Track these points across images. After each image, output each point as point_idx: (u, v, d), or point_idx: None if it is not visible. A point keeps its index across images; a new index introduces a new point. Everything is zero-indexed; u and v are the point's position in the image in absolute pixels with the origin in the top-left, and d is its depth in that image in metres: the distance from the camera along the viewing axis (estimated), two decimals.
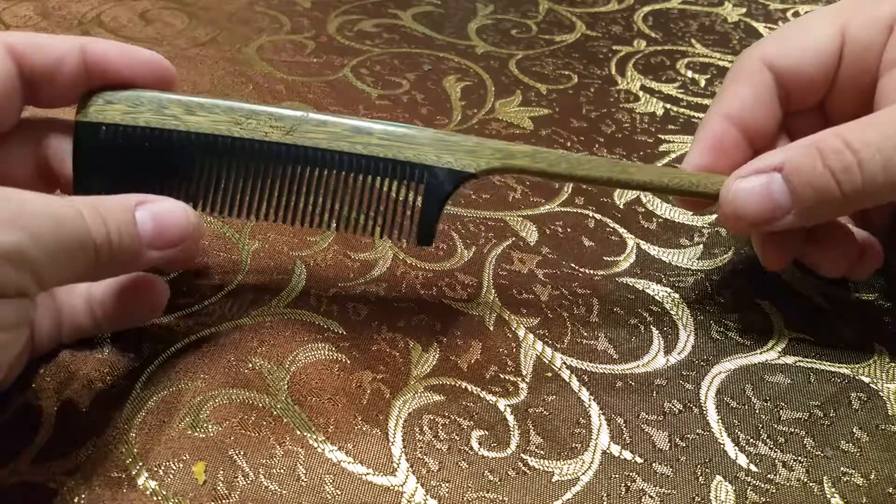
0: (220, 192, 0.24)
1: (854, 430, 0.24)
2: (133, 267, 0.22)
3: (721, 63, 0.46)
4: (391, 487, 0.22)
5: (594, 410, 0.24)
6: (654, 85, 0.43)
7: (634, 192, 0.34)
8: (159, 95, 0.23)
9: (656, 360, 0.26)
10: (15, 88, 0.22)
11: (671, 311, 0.28)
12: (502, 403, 0.24)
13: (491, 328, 0.27)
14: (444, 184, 0.24)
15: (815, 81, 0.26)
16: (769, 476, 0.22)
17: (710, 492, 0.22)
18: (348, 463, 0.22)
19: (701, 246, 0.31)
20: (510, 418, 0.24)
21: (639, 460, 0.23)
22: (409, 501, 0.21)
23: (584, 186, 0.35)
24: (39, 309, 0.24)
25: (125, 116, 0.23)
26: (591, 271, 0.30)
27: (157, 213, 0.21)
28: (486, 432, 0.23)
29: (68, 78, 0.23)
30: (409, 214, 0.24)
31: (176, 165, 0.23)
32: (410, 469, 0.22)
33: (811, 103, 0.27)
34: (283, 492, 0.21)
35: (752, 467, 0.23)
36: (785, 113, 0.27)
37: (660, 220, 0.33)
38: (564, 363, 0.26)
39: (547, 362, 0.26)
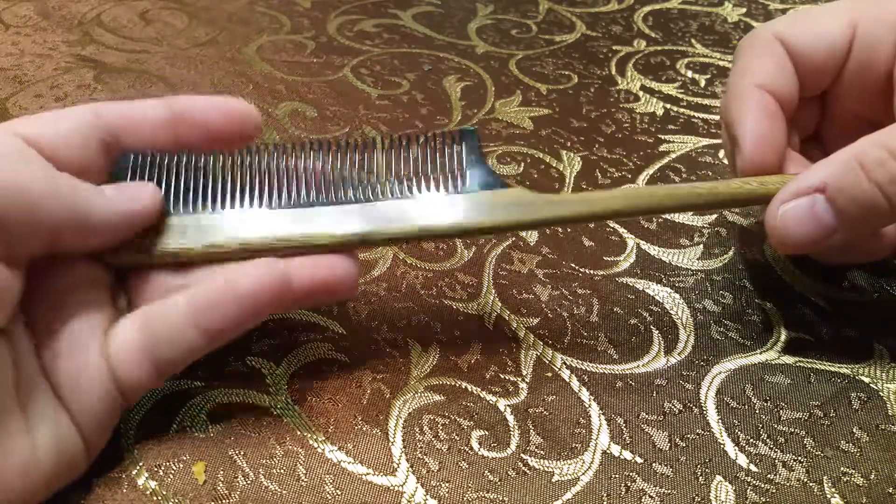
0: None
1: (854, 430, 0.24)
2: (102, 220, 0.21)
3: (721, 63, 0.46)
4: (391, 487, 0.22)
5: (594, 410, 0.24)
6: (654, 85, 0.43)
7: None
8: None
9: (656, 360, 0.26)
10: (92, 137, 0.22)
11: (671, 311, 0.28)
12: (502, 403, 0.24)
13: (491, 328, 0.27)
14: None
15: (824, 68, 0.26)
16: (769, 476, 0.22)
17: (710, 492, 0.22)
18: (348, 463, 0.22)
19: (701, 246, 0.31)
20: (510, 418, 0.24)
21: (639, 460, 0.23)
22: (409, 501, 0.21)
23: (584, 185, 0.35)
24: (123, 345, 0.21)
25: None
26: (591, 271, 0.30)
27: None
28: (486, 432, 0.23)
29: (155, 126, 0.23)
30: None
31: None
32: (410, 469, 0.22)
33: (815, 90, 0.27)
34: (283, 492, 0.22)
35: (752, 467, 0.23)
36: None
37: (660, 220, 0.33)
38: (564, 363, 0.26)
39: (547, 362, 0.26)
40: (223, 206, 0.23)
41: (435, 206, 0.23)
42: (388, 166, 0.24)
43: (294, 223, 0.23)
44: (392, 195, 0.23)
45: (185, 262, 0.22)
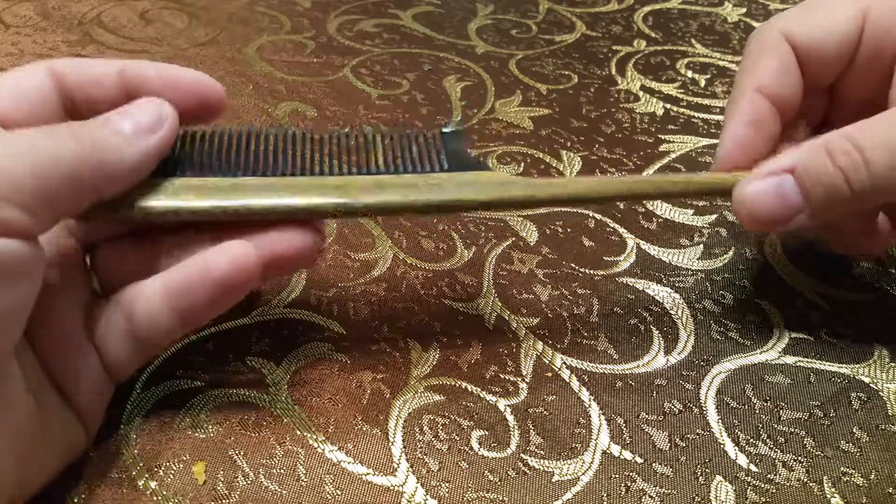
0: None
1: (854, 430, 0.24)
2: (132, 165, 0.20)
3: (721, 63, 0.46)
4: (391, 487, 0.22)
5: (594, 410, 0.24)
6: (654, 85, 0.43)
7: None
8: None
9: (656, 360, 0.26)
10: (53, 103, 0.22)
11: (671, 311, 0.28)
12: (502, 403, 0.24)
13: (491, 328, 0.27)
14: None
15: (832, 61, 0.27)
16: (769, 476, 0.22)
17: (710, 492, 0.22)
18: (348, 463, 0.22)
19: (701, 246, 0.31)
20: (510, 418, 0.24)
21: (639, 460, 0.23)
22: (409, 501, 0.21)
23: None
24: (105, 328, 0.21)
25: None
26: (591, 271, 0.30)
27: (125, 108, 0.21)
28: (486, 432, 0.23)
29: (107, 98, 0.22)
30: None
31: None
32: (410, 469, 0.22)
33: (823, 83, 0.28)
34: (283, 492, 0.22)
35: (752, 467, 0.23)
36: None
37: (660, 220, 0.33)
38: (564, 363, 0.26)
39: (547, 362, 0.26)
40: (203, 172, 0.22)
41: (415, 182, 0.23)
42: (371, 146, 0.24)
43: (273, 192, 0.22)
44: (373, 171, 0.23)
45: (157, 231, 0.23)
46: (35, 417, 0.19)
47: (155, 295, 0.21)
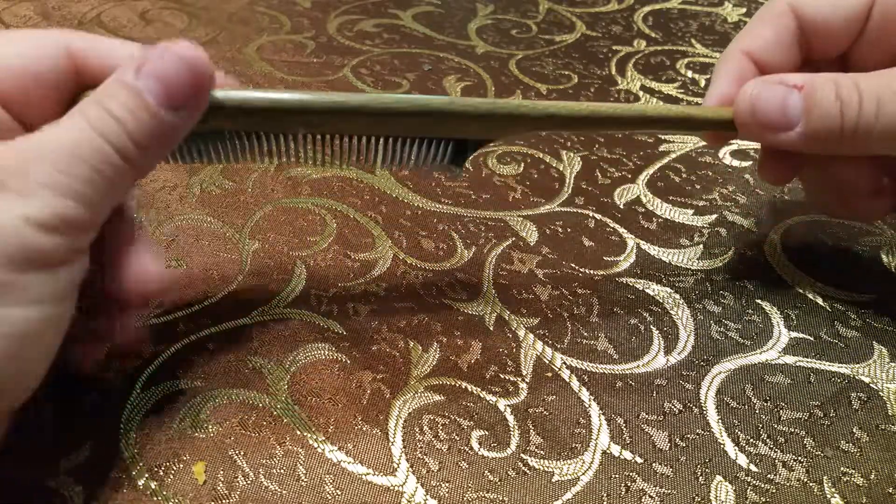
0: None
1: (854, 430, 0.24)
2: (168, 138, 0.20)
3: None
4: (391, 487, 0.22)
5: (594, 410, 0.24)
6: (654, 85, 0.43)
7: (634, 192, 0.34)
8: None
9: (656, 360, 0.26)
10: (69, 87, 0.21)
11: (671, 311, 0.28)
12: (502, 403, 0.24)
13: (491, 328, 0.27)
14: None
15: (839, 34, 0.27)
16: (769, 476, 0.22)
17: (710, 492, 0.22)
18: (348, 463, 0.22)
19: (701, 246, 0.31)
20: (510, 418, 0.24)
21: (639, 460, 0.23)
22: (409, 501, 0.21)
23: (584, 185, 0.35)
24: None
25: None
26: (591, 271, 0.30)
27: (157, 71, 0.19)
28: (486, 432, 0.23)
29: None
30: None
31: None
32: (410, 469, 0.22)
33: (831, 53, 0.28)
34: (283, 492, 0.22)
35: (752, 467, 0.23)
36: (805, 59, 0.28)
37: (660, 220, 0.33)
38: (564, 363, 0.26)
39: (547, 362, 0.26)
40: None
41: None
42: None
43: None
44: None
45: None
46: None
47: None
